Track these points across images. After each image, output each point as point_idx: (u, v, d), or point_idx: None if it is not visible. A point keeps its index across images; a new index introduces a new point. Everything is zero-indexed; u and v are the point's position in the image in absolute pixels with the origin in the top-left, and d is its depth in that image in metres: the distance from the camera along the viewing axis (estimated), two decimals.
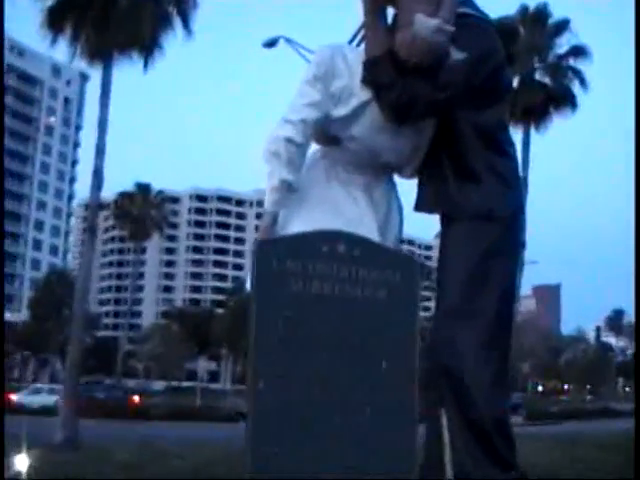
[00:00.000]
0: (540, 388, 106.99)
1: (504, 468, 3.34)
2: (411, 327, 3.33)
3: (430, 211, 3.65)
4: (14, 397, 40.47)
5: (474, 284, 3.43)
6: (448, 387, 3.40)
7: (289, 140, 3.40)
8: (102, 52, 20.17)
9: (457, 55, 3.28)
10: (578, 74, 29.35)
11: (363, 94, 3.46)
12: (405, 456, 3.21)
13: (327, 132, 3.56)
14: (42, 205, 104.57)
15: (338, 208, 3.55)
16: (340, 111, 3.46)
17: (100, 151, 19.90)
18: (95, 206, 20.20)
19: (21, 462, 11.91)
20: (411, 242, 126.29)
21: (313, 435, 3.08)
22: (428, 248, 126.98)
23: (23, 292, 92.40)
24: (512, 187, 3.57)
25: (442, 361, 3.43)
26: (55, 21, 20.41)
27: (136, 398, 46.23)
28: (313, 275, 3.17)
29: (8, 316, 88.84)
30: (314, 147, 3.70)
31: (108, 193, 52.23)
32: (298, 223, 3.43)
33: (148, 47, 20.90)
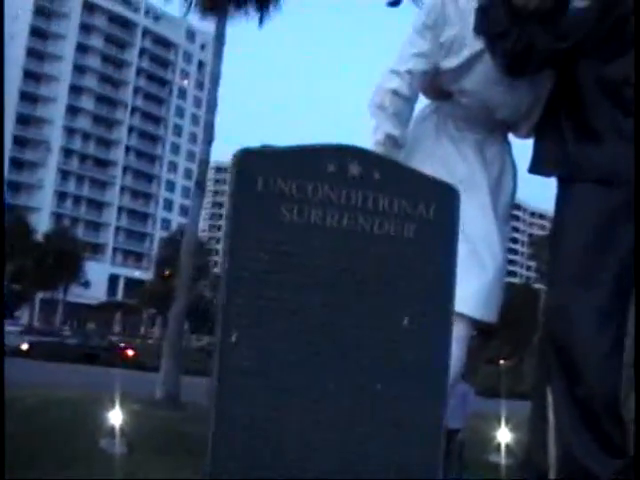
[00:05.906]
0: None
1: (612, 454, 3.02)
2: (447, 276, 2.59)
3: (547, 173, 3.32)
4: (131, 352, 41.55)
5: (595, 251, 3.11)
6: (556, 358, 3.10)
7: (395, 92, 3.19)
8: (216, 6, 19.89)
9: (579, 2, 3.01)
10: None
11: (475, 44, 3.17)
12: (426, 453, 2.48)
13: (437, 85, 3.35)
14: (174, 166, 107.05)
15: (447, 165, 3.31)
16: (451, 62, 3.22)
17: (211, 106, 19.68)
18: (204, 160, 19.96)
19: (116, 417, 11.77)
20: (517, 207, 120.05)
21: (299, 404, 2.38)
22: (535, 215, 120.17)
23: (153, 251, 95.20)
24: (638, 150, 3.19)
25: (552, 329, 3.14)
26: None
27: None
28: (312, 201, 2.46)
29: (137, 274, 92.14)
30: (424, 102, 3.51)
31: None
32: None
33: (264, 1, 20.50)
